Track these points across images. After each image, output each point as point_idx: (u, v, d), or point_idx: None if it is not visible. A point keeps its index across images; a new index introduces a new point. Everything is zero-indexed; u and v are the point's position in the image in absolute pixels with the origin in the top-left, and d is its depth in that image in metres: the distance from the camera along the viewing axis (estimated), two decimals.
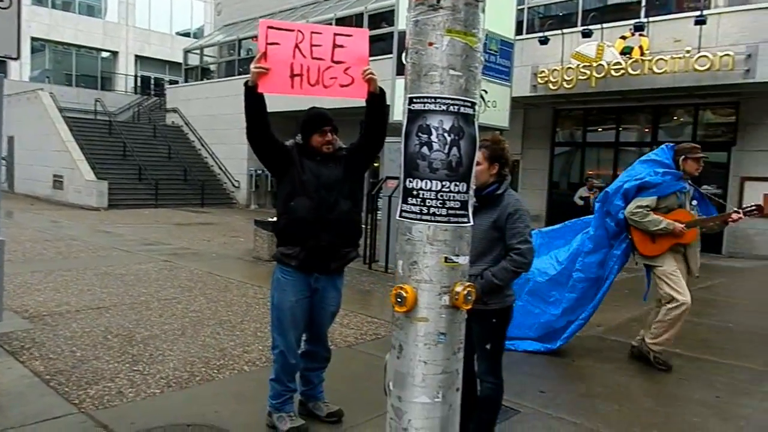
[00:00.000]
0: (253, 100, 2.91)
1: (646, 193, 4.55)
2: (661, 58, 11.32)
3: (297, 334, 3.17)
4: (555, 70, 12.74)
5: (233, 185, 21.72)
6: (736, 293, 8.49)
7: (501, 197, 2.81)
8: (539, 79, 13.03)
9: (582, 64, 12.24)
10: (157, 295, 6.38)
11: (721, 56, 10.67)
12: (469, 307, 1.95)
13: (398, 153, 8.21)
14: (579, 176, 15.00)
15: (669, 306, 4.49)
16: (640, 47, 11.66)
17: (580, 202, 13.81)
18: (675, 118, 13.86)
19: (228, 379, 4.01)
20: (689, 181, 4.65)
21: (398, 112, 8.33)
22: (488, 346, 2.89)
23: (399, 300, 1.92)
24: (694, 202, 4.65)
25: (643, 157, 4.85)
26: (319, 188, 3.04)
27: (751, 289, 9.21)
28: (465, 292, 1.92)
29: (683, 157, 4.57)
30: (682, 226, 4.44)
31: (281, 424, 3.13)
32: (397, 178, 8.39)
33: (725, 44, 10.90)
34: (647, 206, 4.50)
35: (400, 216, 1.96)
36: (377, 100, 3.03)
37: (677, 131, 13.85)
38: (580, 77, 12.30)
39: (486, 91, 8.43)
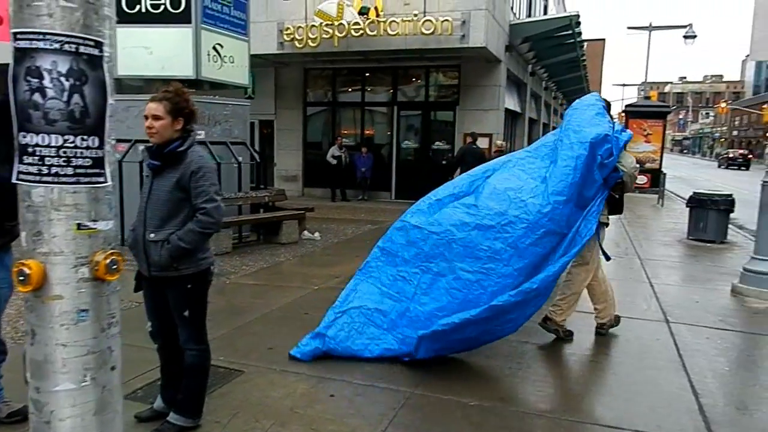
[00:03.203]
0: None
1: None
2: (394, 20, 12.10)
3: None
4: (300, 27, 12.77)
5: None
6: None
7: (184, 154, 2.60)
8: (285, 36, 12.94)
9: (325, 23, 12.46)
10: None
11: (442, 21, 11.83)
12: (116, 277, 1.74)
13: (124, 112, 7.22)
14: (332, 136, 15.47)
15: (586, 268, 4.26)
16: (376, 8, 12.33)
17: (333, 161, 14.32)
18: (413, 80, 15.07)
19: None
20: None
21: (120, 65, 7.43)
22: (186, 314, 2.72)
23: (21, 278, 1.63)
24: None
25: (595, 107, 4.08)
26: None
27: None
28: (107, 260, 1.70)
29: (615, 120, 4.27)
30: None
31: None
32: (127, 140, 7.57)
33: (446, 10, 12.12)
34: None
35: (17, 179, 1.64)
36: None
37: (413, 92, 15.11)
38: (324, 36, 12.53)
39: (222, 45, 8.02)
